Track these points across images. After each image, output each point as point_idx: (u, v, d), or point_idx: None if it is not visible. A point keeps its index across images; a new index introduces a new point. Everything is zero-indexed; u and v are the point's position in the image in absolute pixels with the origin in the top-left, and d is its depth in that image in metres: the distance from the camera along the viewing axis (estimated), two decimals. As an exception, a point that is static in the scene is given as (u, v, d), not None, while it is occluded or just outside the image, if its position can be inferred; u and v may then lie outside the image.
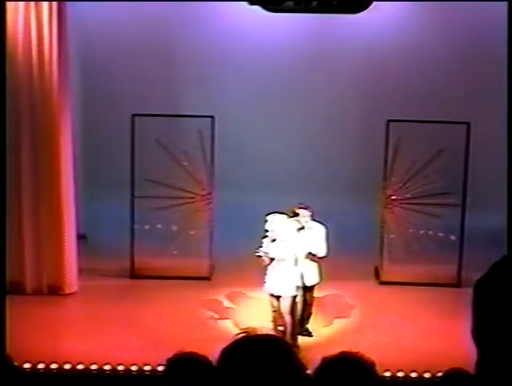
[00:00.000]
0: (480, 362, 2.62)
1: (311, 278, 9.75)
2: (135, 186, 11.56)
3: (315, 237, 9.66)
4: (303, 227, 9.59)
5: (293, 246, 9.34)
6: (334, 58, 13.57)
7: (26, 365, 8.78)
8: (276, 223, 9.25)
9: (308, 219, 9.65)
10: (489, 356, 2.59)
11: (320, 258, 9.77)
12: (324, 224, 9.77)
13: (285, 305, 9.38)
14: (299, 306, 9.67)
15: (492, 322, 2.57)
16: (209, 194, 11.60)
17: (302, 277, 9.54)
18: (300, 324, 9.75)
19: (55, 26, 10.65)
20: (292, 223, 9.47)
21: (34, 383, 8.00)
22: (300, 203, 9.69)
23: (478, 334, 2.61)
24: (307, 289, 9.77)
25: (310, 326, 9.95)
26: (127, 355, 9.25)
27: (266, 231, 9.31)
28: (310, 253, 9.65)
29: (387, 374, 8.66)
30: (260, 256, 9.30)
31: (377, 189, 11.74)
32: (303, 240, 9.49)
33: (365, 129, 13.37)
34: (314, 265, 9.75)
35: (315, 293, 9.99)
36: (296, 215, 9.59)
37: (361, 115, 13.56)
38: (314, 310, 10.03)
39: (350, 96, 13.66)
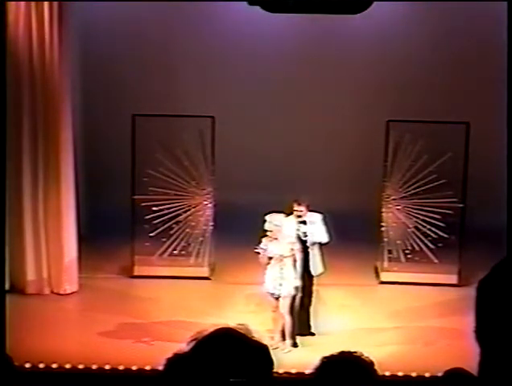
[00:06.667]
0: (482, 361, 2.63)
1: (317, 267, 9.79)
2: (135, 186, 11.57)
3: (316, 226, 9.74)
4: (301, 222, 9.65)
5: (292, 244, 9.36)
6: (334, 58, 13.57)
7: (27, 365, 8.78)
8: (275, 223, 9.27)
9: (305, 212, 9.70)
10: (491, 356, 2.59)
11: (321, 245, 9.81)
12: (320, 212, 9.81)
13: (284, 305, 9.38)
14: (298, 303, 9.68)
15: (494, 322, 2.58)
16: (209, 194, 11.61)
17: (308, 266, 9.60)
18: (301, 323, 9.75)
19: (55, 25, 10.65)
20: (291, 220, 9.52)
21: (34, 383, 8.00)
22: (296, 199, 9.73)
23: (481, 334, 2.62)
24: (309, 280, 9.78)
25: (311, 325, 9.96)
26: (127, 355, 9.25)
27: (265, 231, 9.32)
28: (314, 243, 9.72)
29: (387, 374, 8.64)
30: (258, 253, 9.32)
31: (377, 189, 11.74)
32: (304, 232, 9.60)
33: (365, 128, 13.36)
34: (318, 255, 9.80)
35: (315, 293, 9.99)
36: (293, 210, 9.66)
37: (361, 115, 13.56)
38: (314, 309, 10.02)
39: (350, 96, 13.66)
